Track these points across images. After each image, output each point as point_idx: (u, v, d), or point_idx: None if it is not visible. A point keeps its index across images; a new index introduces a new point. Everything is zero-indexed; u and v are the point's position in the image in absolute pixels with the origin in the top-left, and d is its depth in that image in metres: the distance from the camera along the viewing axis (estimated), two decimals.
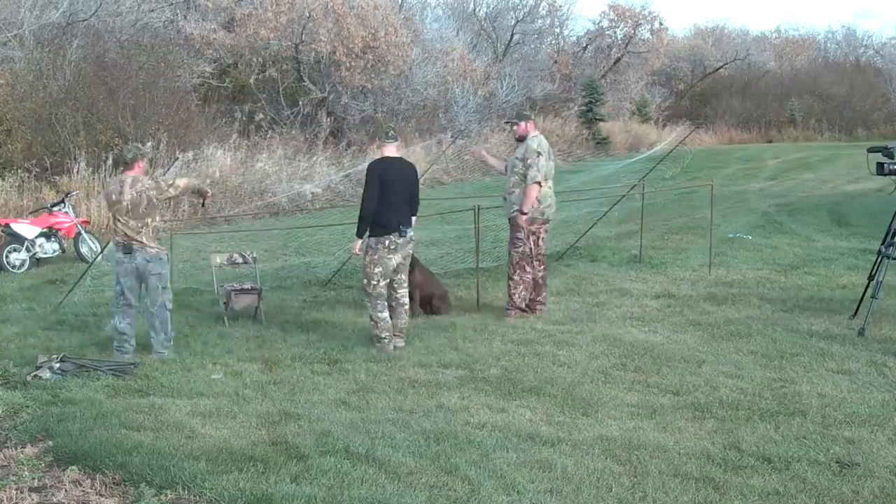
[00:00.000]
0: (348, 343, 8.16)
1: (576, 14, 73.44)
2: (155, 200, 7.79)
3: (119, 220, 7.76)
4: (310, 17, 25.44)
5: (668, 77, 47.22)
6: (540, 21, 40.83)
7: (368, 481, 4.93)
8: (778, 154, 32.28)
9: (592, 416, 6.08)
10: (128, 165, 7.88)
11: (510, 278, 9.13)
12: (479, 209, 10.14)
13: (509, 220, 9.16)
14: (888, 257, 8.62)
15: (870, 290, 8.47)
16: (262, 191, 19.39)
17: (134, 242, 7.70)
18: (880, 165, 8.75)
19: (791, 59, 53.23)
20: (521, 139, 9.11)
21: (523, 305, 9.15)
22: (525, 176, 8.91)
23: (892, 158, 8.67)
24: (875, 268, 8.63)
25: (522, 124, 9.16)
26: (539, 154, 8.93)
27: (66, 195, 14.44)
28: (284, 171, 20.65)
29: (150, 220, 7.76)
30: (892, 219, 8.67)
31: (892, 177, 8.81)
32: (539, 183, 8.90)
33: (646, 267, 11.55)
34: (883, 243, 8.78)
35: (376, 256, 7.94)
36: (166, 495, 4.84)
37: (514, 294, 9.10)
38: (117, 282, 7.87)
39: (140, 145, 8.82)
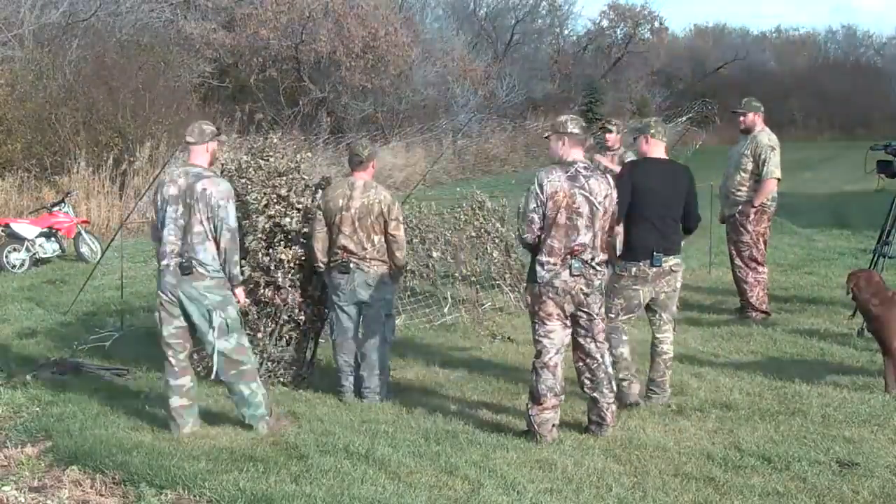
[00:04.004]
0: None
1: (576, 14, 73.47)
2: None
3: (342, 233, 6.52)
4: (310, 17, 25.44)
5: (669, 77, 47.18)
6: (540, 21, 40.83)
7: (368, 481, 4.93)
8: None
9: None
10: (362, 165, 6.69)
11: (743, 281, 8.77)
12: None
13: (730, 219, 8.83)
14: (884, 256, 8.62)
15: None
16: None
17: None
18: (884, 164, 8.69)
19: (791, 59, 53.19)
20: (747, 132, 8.72)
21: (764, 307, 8.81)
22: (753, 172, 8.61)
23: None
24: (872, 267, 8.63)
25: (750, 115, 8.73)
26: (773, 149, 8.64)
27: (66, 195, 14.46)
28: None
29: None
30: (886, 218, 8.67)
31: (882, 175, 8.75)
32: (779, 179, 8.67)
33: None
34: (878, 242, 8.78)
35: (617, 285, 6.27)
36: (167, 495, 4.84)
37: (752, 297, 8.75)
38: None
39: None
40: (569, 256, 5.51)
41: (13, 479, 5.12)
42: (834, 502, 4.72)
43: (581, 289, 5.55)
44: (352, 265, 6.52)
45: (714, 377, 6.91)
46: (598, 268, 5.60)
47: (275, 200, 6.79)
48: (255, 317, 6.69)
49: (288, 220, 6.73)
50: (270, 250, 6.67)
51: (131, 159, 17.39)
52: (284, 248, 6.68)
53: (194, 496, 4.82)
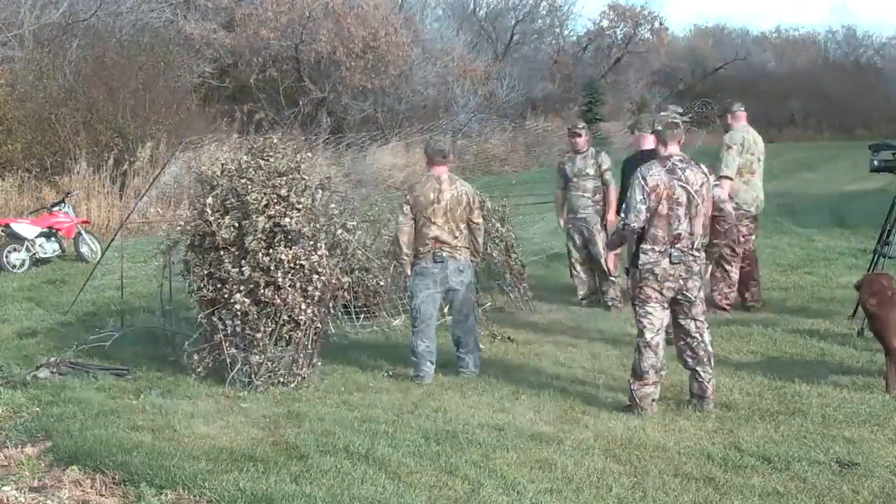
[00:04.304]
0: (346, 345, 8.16)
1: (576, 14, 73.46)
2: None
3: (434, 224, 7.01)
4: (310, 17, 25.45)
5: (669, 77, 47.19)
6: (540, 21, 40.84)
7: (368, 481, 4.93)
8: (778, 154, 32.26)
9: (593, 416, 6.08)
10: (447, 159, 7.27)
11: (712, 275, 8.56)
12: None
13: None
14: (884, 256, 8.64)
15: None
16: None
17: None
18: (873, 162, 8.85)
19: (791, 59, 53.21)
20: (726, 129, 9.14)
21: (724, 304, 8.91)
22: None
23: (877, 153, 8.71)
24: (872, 267, 8.64)
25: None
26: (729, 147, 8.85)
27: (66, 195, 14.46)
28: None
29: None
30: (886, 218, 8.69)
31: (885, 172, 8.90)
32: (728, 177, 8.72)
33: None
34: (878, 242, 8.80)
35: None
36: (166, 495, 4.84)
37: (715, 292, 8.80)
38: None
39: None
40: (669, 246, 5.97)
41: (13, 479, 5.12)
42: (834, 502, 4.72)
43: (681, 275, 6.00)
44: (445, 254, 6.99)
45: (714, 377, 6.90)
46: (696, 254, 6.05)
47: (275, 200, 6.79)
48: (255, 317, 6.69)
49: (288, 220, 6.73)
50: (270, 250, 6.67)
51: (131, 159, 17.40)
52: (284, 247, 6.68)
53: (194, 496, 4.82)
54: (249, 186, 6.81)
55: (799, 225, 14.92)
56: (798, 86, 46.04)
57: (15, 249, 12.76)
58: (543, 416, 6.09)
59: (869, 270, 8.60)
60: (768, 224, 15.29)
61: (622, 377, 6.99)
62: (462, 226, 7.10)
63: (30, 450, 5.58)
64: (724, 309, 8.93)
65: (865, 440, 5.53)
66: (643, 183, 6.00)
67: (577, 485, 4.90)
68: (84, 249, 13.42)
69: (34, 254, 12.94)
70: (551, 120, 34.14)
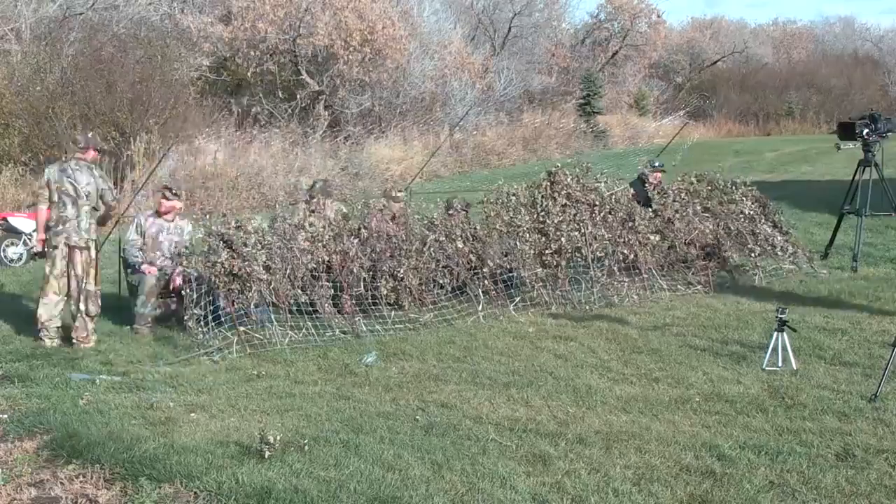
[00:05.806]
0: (344, 338, 8.16)
1: (574, 6, 73.23)
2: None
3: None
4: (307, 10, 25.38)
5: (666, 70, 47.13)
6: (538, 14, 40.70)
7: (366, 475, 4.94)
8: (776, 147, 32.27)
9: (592, 410, 6.08)
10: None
11: None
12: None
13: None
14: (846, 213, 10.34)
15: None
16: (259, 184, 19.40)
17: None
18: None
19: (789, 51, 53.14)
20: None
21: None
22: None
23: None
24: (838, 224, 10.46)
25: None
26: None
27: None
28: (280, 164, 20.67)
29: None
30: (850, 183, 10.35)
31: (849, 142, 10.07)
32: None
33: None
34: (843, 203, 10.44)
35: None
36: (165, 489, 4.84)
37: None
38: None
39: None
40: None
41: (12, 474, 5.12)
42: (832, 493, 4.73)
43: None
44: None
45: (714, 370, 6.92)
46: None
47: None
48: None
49: None
50: None
51: (128, 153, 17.38)
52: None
53: (193, 490, 4.82)
54: None
55: (797, 218, 14.90)
56: (796, 78, 46.01)
57: (12, 243, 12.75)
58: (543, 411, 6.10)
59: (836, 227, 9.34)
60: None
61: (622, 371, 7.00)
62: None
63: (28, 444, 5.58)
64: None
65: (863, 432, 5.55)
66: None
67: (576, 479, 4.91)
68: None
69: (31, 248, 12.91)
70: (549, 113, 34.08)
